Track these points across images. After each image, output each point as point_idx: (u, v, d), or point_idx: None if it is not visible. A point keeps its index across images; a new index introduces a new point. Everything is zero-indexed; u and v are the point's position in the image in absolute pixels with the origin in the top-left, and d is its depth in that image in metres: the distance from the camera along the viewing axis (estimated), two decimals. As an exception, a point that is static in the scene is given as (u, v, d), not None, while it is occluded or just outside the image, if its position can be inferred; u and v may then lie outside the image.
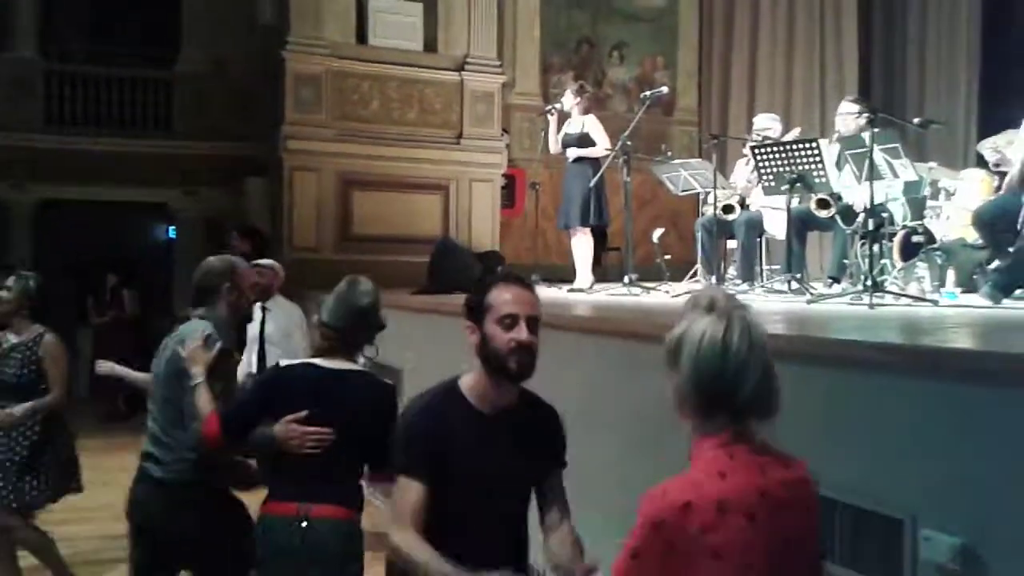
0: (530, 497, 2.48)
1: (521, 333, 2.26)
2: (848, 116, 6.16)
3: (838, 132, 6.38)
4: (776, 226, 6.52)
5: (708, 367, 1.67)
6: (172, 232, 12.41)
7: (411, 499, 2.27)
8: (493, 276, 2.42)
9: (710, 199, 7.48)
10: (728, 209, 6.93)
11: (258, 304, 5.77)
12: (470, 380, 2.37)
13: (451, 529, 2.27)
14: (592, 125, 7.15)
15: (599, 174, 6.96)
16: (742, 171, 7.43)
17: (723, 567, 1.59)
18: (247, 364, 5.80)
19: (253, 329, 5.87)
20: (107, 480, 7.04)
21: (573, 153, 7.19)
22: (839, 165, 5.88)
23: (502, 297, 2.28)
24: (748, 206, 7.07)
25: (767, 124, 7.22)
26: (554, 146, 7.37)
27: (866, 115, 5.99)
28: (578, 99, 7.26)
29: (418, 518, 2.26)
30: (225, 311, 3.42)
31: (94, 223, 11.75)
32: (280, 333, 5.64)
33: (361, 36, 10.35)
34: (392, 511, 2.33)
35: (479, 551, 2.22)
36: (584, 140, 7.12)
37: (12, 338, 4.40)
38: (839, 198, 5.91)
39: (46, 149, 10.85)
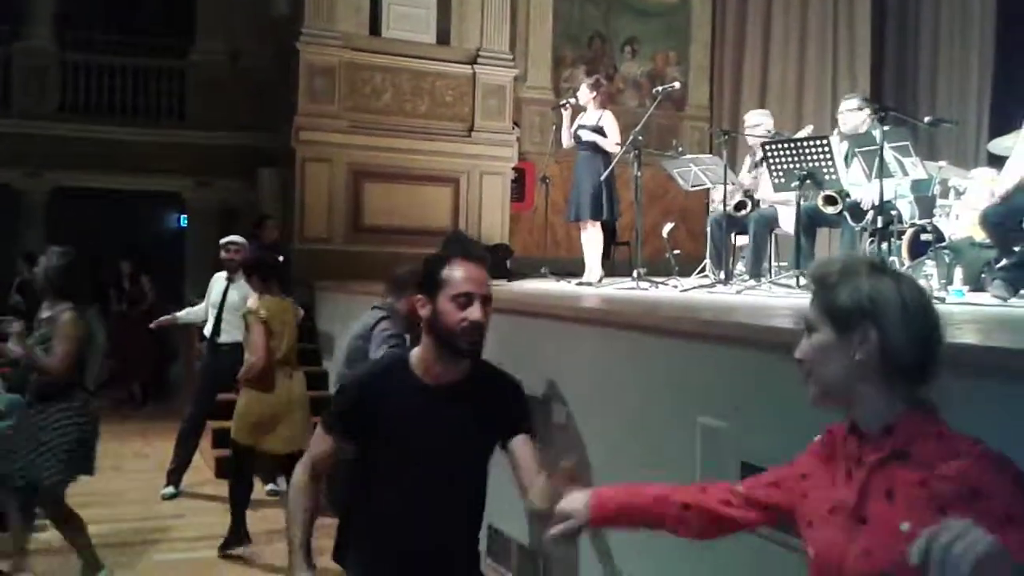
0: (480, 477, 2.48)
1: (475, 312, 2.24)
2: (849, 113, 6.16)
3: (838, 129, 6.39)
4: (787, 221, 6.54)
5: (920, 324, 1.56)
6: (184, 221, 12.48)
7: (320, 450, 2.44)
8: (449, 249, 2.36)
9: (714, 196, 7.52)
10: (740, 206, 6.94)
11: (223, 274, 6.58)
12: (418, 353, 2.38)
13: (388, 499, 2.36)
14: (608, 120, 7.16)
15: (610, 168, 6.99)
16: (748, 166, 7.46)
17: None
18: (206, 329, 6.62)
19: (214, 296, 6.59)
20: (119, 466, 7.17)
21: (586, 135, 7.16)
22: (847, 162, 5.90)
23: (457, 274, 2.26)
24: (759, 202, 7.08)
25: (758, 120, 7.15)
26: (567, 140, 7.38)
27: (867, 111, 6.01)
28: (594, 93, 7.27)
29: (320, 466, 2.44)
30: (405, 307, 3.83)
31: (107, 212, 11.83)
32: (241, 301, 5.95)
33: (375, 28, 10.40)
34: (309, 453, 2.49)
35: (413, 524, 2.33)
36: (598, 132, 7.14)
37: (44, 314, 4.47)
38: (846, 195, 5.93)
39: (60, 137, 10.92)
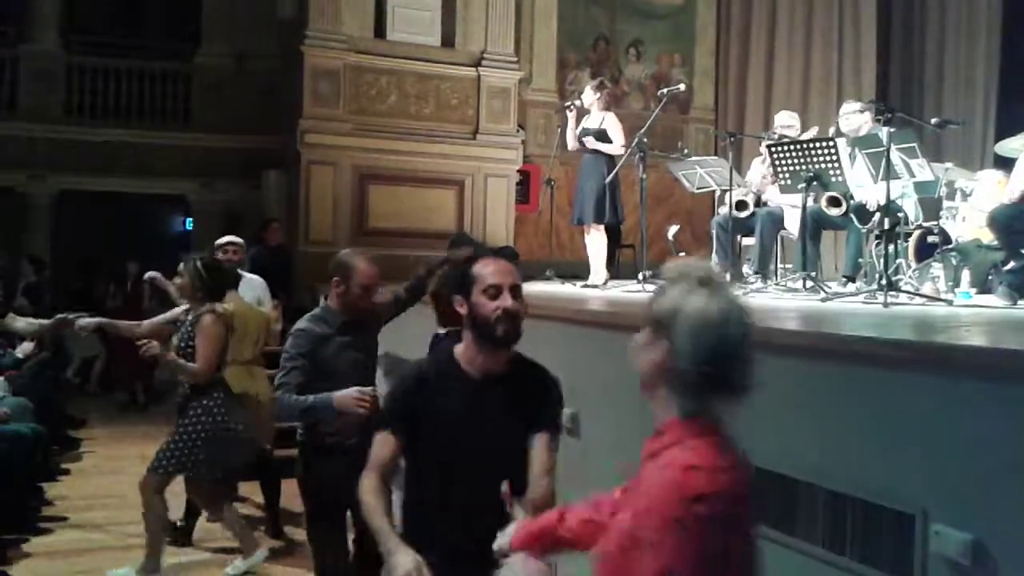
0: (524, 467, 2.51)
1: (506, 300, 2.43)
2: (851, 115, 6.16)
3: (835, 127, 6.39)
4: (793, 223, 6.53)
5: (707, 343, 1.57)
6: (189, 224, 12.49)
7: (382, 452, 2.52)
8: (476, 253, 2.63)
9: (726, 197, 7.50)
10: (742, 206, 6.92)
11: None
12: (461, 348, 2.55)
13: (433, 491, 2.47)
14: (611, 122, 7.13)
15: (615, 171, 6.97)
16: (758, 169, 7.44)
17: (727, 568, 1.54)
18: None
19: None
20: (119, 468, 7.16)
21: (589, 143, 7.17)
22: (850, 161, 5.88)
23: (486, 270, 2.47)
24: (766, 203, 7.07)
25: (788, 121, 7.21)
26: (572, 142, 7.35)
27: (868, 112, 6.01)
28: (598, 95, 7.24)
29: (385, 470, 2.52)
30: (334, 302, 3.75)
31: (112, 215, 11.85)
32: (254, 302, 6.10)
33: (379, 31, 10.40)
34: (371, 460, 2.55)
35: (461, 517, 2.42)
36: (602, 135, 7.11)
37: (190, 316, 4.74)
38: (851, 197, 5.91)
39: (66, 140, 10.96)
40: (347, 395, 3.51)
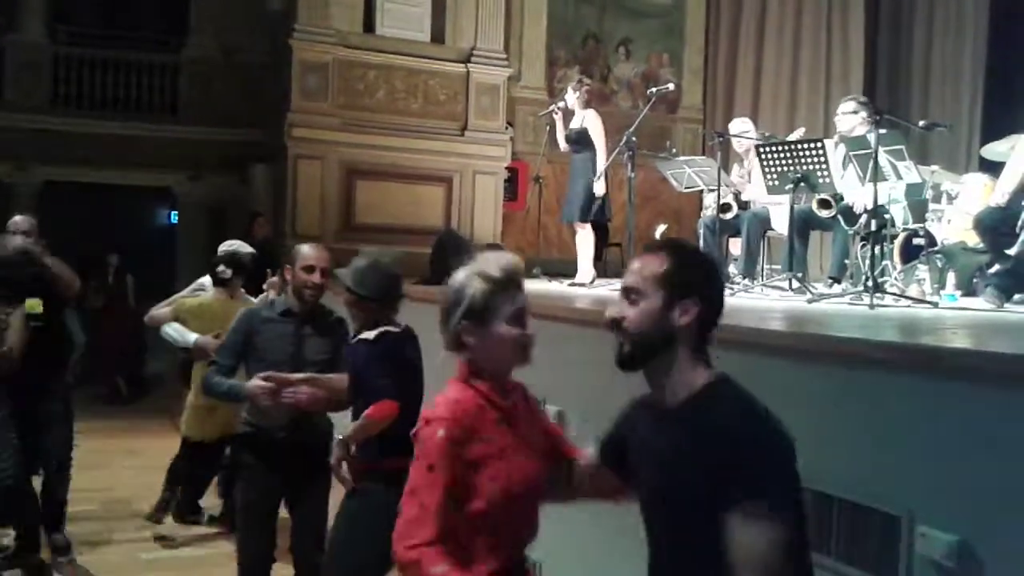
0: (703, 538, 1.71)
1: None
2: (847, 115, 6.18)
3: (838, 133, 6.41)
4: (780, 222, 6.54)
5: (447, 310, 2.20)
6: (174, 217, 12.42)
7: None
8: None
9: (708, 199, 7.53)
10: (725, 208, 6.94)
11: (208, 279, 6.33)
12: None
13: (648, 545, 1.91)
14: (591, 120, 7.15)
15: (602, 171, 6.98)
16: (737, 169, 7.51)
17: None
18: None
19: None
20: (104, 463, 7.11)
21: (580, 162, 7.24)
22: (844, 166, 5.89)
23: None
24: (748, 204, 7.09)
25: (742, 127, 7.34)
26: (563, 143, 7.41)
27: (865, 113, 6.03)
28: (577, 93, 7.29)
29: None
30: (288, 289, 3.84)
31: (97, 206, 11.76)
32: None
33: (368, 25, 10.38)
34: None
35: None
36: (583, 135, 7.14)
37: None
38: (840, 199, 5.93)
39: (51, 131, 10.86)
40: (253, 384, 3.53)
